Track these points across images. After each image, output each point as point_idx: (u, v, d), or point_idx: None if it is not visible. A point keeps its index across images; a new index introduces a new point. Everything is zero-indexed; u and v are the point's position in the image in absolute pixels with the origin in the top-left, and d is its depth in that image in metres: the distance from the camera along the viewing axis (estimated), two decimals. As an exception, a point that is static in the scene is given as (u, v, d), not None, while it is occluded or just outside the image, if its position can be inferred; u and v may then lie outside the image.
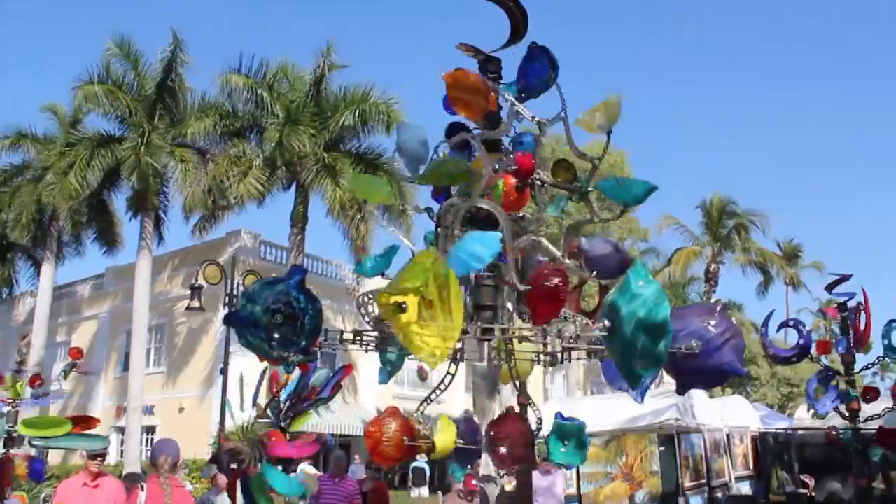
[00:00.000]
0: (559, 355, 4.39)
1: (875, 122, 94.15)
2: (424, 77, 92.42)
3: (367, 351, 4.35)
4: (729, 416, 16.88)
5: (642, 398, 4.90)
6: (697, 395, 18.32)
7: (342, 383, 7.07)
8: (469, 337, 3.96)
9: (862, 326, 7.93)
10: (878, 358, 8.05)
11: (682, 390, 4.93)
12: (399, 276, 3.83)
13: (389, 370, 4.55)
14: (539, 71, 4.42)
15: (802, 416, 19.22)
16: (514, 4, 4.37)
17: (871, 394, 8.05)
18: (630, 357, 4.17)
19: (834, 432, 8.94)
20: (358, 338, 4.21)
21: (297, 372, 5.86)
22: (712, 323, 4.62)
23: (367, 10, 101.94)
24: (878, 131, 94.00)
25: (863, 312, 7.98)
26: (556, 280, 4.18)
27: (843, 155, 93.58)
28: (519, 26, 4.46)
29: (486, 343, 4.11)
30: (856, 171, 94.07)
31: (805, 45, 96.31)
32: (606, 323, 4.44)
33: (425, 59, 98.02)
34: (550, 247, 4.56)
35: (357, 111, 25.00)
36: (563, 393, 39.11)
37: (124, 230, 29.29)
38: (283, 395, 6.00)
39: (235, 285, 17.30)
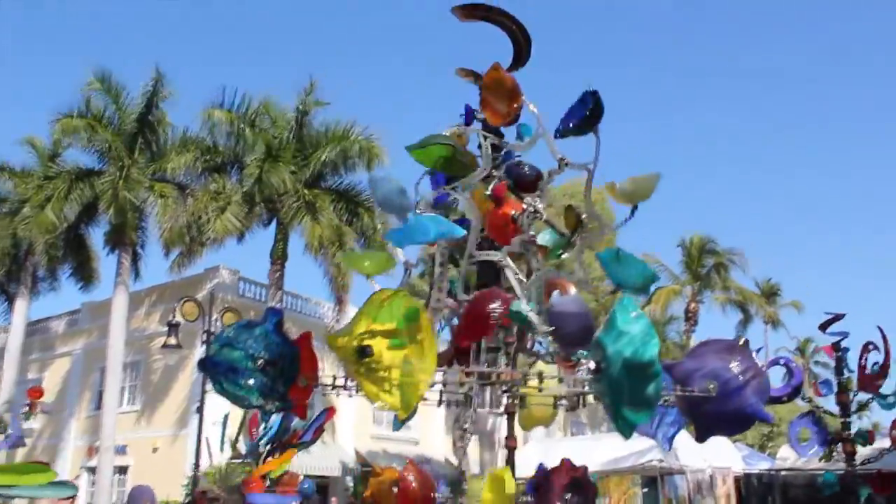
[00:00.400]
0: (580, 399, 4.16)
1: (851, 162, 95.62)
2: (406, 114, 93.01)
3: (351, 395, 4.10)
4: (712, 457, 16.77)
5: (669, 446, 4.67)
6: (681, 434, 18.23)
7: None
8: (470, 381, 3.80)
9: (868, 365, 7.78)
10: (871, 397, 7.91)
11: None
12: (362, 316, 3.58)
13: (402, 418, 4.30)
14: (578, 113, 4.31)
15: (785, 456, 19.09)
16: (519, 30, 4.30)
17: (868, 436, 7.94)
18: (618, 400, 3.90)
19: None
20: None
21: (276, 415, 5.66)
22: (732, 362, 4.22)
23: (351, 46, 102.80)
24: (851, 173, 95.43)
25: (872, 352, 7.79)
26: (495, 305, 3.98)
27: (820, 196, 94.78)
28: (522, 52, 4.40)
29: (488, 388, 3.92)
30: (833, 212, 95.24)
31: (785, 88, 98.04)
32: (591, 364, 4.22)
33: (408, 97, 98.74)
34: (512, 278, 4.37)
35: (338, 148, 25.01)
36: (542, 433, 38.76)
37: (101, 265, 28.85)
38: (263, 439, 5.78)
39: (213, 322, 17.09)
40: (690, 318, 37.07)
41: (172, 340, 16.89)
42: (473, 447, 26.87)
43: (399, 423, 4.34)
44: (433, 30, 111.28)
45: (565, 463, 4.40)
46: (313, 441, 5.75)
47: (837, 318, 8.13)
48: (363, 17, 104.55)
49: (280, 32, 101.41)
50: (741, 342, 4.40)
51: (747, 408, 4.14)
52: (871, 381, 7.57)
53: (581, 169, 4.31)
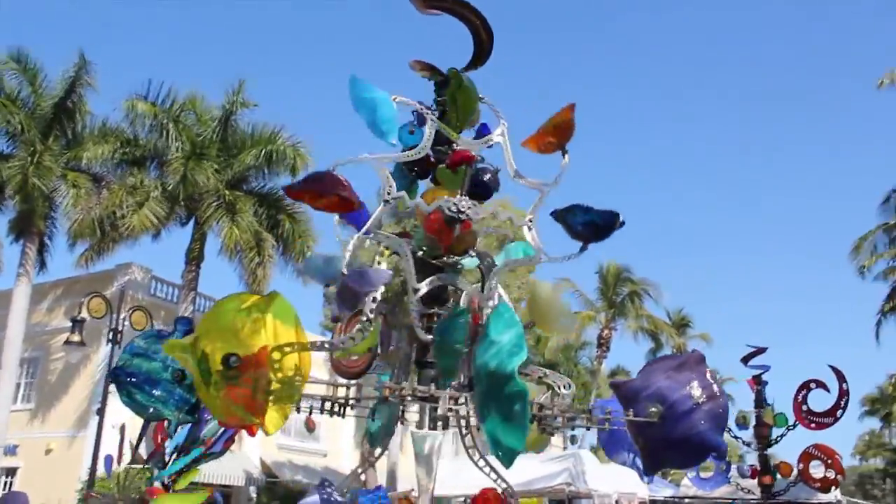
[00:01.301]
0: (562, 421, 3.85)
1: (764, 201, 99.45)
2: (335, 123, 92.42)
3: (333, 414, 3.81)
4: (618, 482, 16.99)
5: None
6: (588, 458, 18.38)
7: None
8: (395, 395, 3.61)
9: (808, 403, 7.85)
10: (788, 427, 8.05)
11: (648, 468, 3.98)
12: (218, 323, 3.24)
13: (373, 437, 4.00)
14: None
15: (689, 483, 19.52)
16: (482, 24, 4.15)
17: (785, 468, 8.06)
18: (490, 422, 3.41)
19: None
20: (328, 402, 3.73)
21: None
22: (682, 381, 3.64)
23: (284, 51, 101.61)
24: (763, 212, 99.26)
25: (815, 390, 7.85)
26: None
27: (733, 234, 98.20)
28: (483, 49, 4.25)
29: (428, 407, 3.70)
30: (742, 250, 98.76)
31: (704, 119, 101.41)
32: (462, 379, 3.86)
33: (339, 105, 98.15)
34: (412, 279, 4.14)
35: (264, 151, 24.53)
36: (451, 452, 38.72)
37: (2, 254, 27.50)
38: (169, 447, 5.49)
39: (121, 320, 16.46)
40: (603, 344, 37.70)
41: (76, 337, 16.21)
42: (409, 468, 26.53)
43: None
44: (376, 37, 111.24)
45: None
46: (224, 451, 5.50)
47: (760, 351, 8.28)
48: (303, 25, 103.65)
49: (217, 31, 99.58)
50: (696, 358, 3.77)
51: (695, 435, 3.57)
52: (816, 416, 7.68)
53: (535, 188, 4.18)
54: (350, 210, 3.88)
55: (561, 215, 3.85)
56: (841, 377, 7.68)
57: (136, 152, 24.31)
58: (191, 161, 23.05)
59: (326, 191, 3.76)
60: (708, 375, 3.73)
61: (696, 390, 3.66)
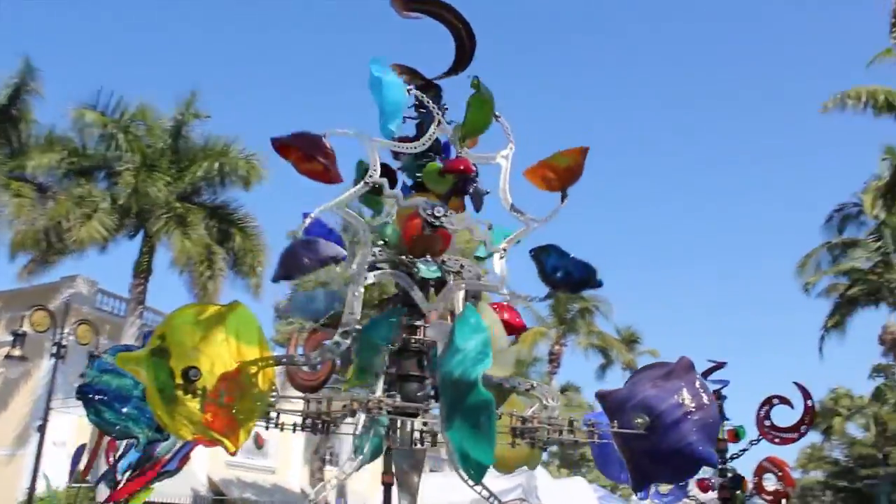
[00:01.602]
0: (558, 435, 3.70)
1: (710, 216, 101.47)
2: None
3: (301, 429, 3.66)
4: (571, 498, 17.05)
5: (645, 494, 4.09)
6: (541, 475, 18.40)
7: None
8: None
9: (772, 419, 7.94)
10: (751, 441, 8.15)
11: (637, 484, 3.73)
12: (177, 335, 3.11)
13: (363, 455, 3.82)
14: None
15: (639, 500, 19.69)
16: (464, 28, 4.09)
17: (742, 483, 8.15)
18: (456, 434, 3.23)
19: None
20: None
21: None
22: (670, 390, 3.42)
23: (239, 64, 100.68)
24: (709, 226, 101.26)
25: (777, 406, 7.94)
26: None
27: (682, 251, 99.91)
28: (465, 53, 4.19)
29: (410, 422, 3.60)
30: (691, 267, 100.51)
31: (649, 137, 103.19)
32: (430, 390, 3.80)
33: (297, 118, 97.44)
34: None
35: (216, 163, 24.18)
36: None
37: (-60, 266, 26.61)
38: (122, 465, 5.31)
39: (65, 334, 16.02)
40: (554, 360, 37.94)
41: (17, 351, 15.75)
42: (358, 484, 26.12)
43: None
44: (337, 50, 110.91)
45: None
46: (178, 469, 5.35)
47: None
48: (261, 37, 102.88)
49: (170, 42, 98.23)
50: (684, 365, 3.54)
51: (685, 447, 3.33)
52: (779, 432, 7.78)
53: (523, 221, 4.13)
54: (329, 182, 3.77)
55: (537, 255, 3.86)
56: (806, 394, 7.84)
57: (84, 162, 23.74)
58: (142, 173, 22.61)
59: (314, 155, 3.66)
60: (697, 384, 3.52)
61: (684, 399, 3.42)
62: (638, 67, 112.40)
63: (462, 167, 4.03)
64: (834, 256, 32.42)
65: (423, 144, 4.03)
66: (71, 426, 24.08)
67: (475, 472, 3.29)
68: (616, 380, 45.84)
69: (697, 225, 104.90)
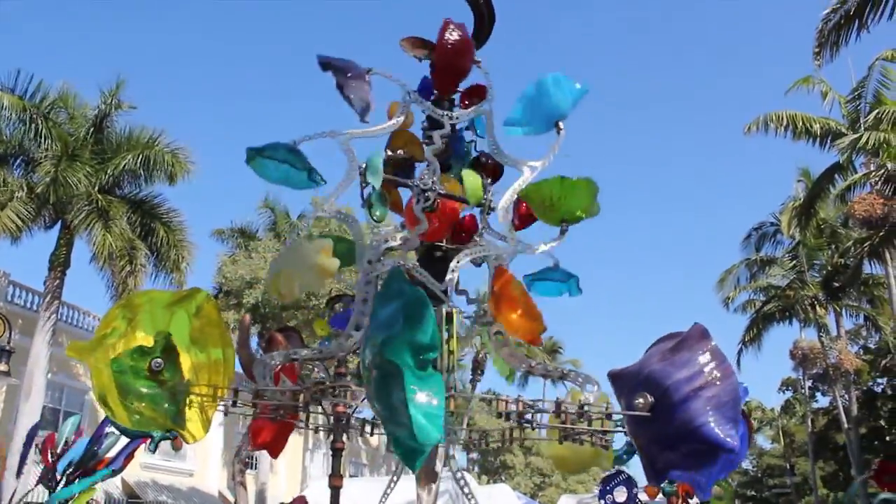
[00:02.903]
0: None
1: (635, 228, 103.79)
2: (221, 131, 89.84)
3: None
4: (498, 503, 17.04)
5: (657, 482, 3.54)
6: (469, 481, 18.43)
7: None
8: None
9: None
10: None
11: (650, 475, 3.18)
12: (135, 320, 2.97)
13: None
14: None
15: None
16: (486, 7, 3.91)
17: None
18: (383, 416, 2.95)
19: None
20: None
21: (79, 437, 4.91)
22: (677, 362, 2.93)
23: (165, 56, 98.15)
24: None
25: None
26: None
27: (600, 263, 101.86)
28: (484, 27, 4.00)
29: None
30: (607, 279, 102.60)
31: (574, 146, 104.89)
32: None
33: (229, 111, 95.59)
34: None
35: (141, 156, 23.41)
36: (322, 473, 37.92)
37: None
38: (61, 464, 4.98)
39: (-25, 328, 15.25)
40: (477, 368, 38.03)
41: (3, 366, 14.89)
42: (278, 489, 25.40)
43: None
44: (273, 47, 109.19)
45: None
46: (123, 468, 5.06)
47: None
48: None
49: (95, 27, 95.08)
50: (696, 333, 3.06)
51: (697, 428, 2.82)
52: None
53: (499, 241, 3.98)
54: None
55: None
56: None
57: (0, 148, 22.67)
58: (63, 162, 21.69)
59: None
60: (710, 354, 2.97)
61: (695, 371, 2.89)
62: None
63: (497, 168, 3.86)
64: (752, 273, 33.57)
65: (396, 124, 3.81)
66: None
67: (407, 458, 2.86)
68: (537, 388, 46.25)
69: (625, 237, 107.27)
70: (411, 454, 2.78)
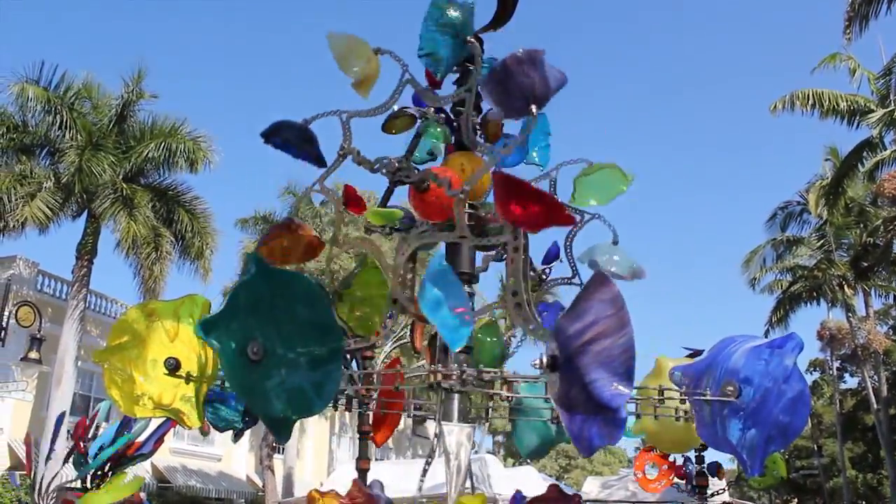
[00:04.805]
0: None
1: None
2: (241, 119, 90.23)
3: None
4: (523, 487, 17.10)
5: (586, 453, 3.19)
6: (493, 463, 18.47)
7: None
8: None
9: None
10: None
11: (580, 446, 2.74)
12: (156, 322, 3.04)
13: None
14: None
15: (589, 490, 19.93)
16: None
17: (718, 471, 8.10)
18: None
19: None
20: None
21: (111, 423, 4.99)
22: (572, 315, 2.50)
23: (186, 45, 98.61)
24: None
25: None
26: None
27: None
28: (507, 9, 3.85)
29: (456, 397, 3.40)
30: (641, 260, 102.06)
31: (600, 126, 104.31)
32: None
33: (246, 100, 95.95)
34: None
35: (163, 144, 23.58)
36: (349, 457, 38.22)
37: None
38: (92, 448, 5.06)
39: (6, 316, 15.55)
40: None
41: (34, 354, 15.17)
42: (305, 473, 25.47)
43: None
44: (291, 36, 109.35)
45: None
46: (152, 452, 5.14)
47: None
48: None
49: (118, 17, 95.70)
50: (595, 280, 2.53)
51: (587, 386, 2.42)
52: None
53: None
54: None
55: None
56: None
57: (25, 139, 22.89)
58: (87, 152, 21.89)
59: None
60: (605, 303, 2.45)
61: (587, 324, 2.46)
62: (584, 58, 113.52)
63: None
64: (778, 253, 33.25)
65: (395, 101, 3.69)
66: (9, 411, 23.39)
67: (274, 428, 2.87)
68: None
69: (650, 218, 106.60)
70: (278, 424, 2.84)
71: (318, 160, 3.50)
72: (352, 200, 3.67)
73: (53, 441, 7.69)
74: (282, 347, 2.69)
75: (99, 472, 4.97)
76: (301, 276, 2.86)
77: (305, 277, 2.91)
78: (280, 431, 2.84)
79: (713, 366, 3.16)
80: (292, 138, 3.49)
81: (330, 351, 2.81)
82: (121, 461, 5.07)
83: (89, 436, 5.16)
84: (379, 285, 3.77)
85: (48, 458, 11.27)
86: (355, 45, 3.59)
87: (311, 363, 2.74)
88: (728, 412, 3.02)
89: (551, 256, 4.14)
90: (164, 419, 4.94)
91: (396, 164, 3.48)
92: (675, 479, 7.97)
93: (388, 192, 3.76)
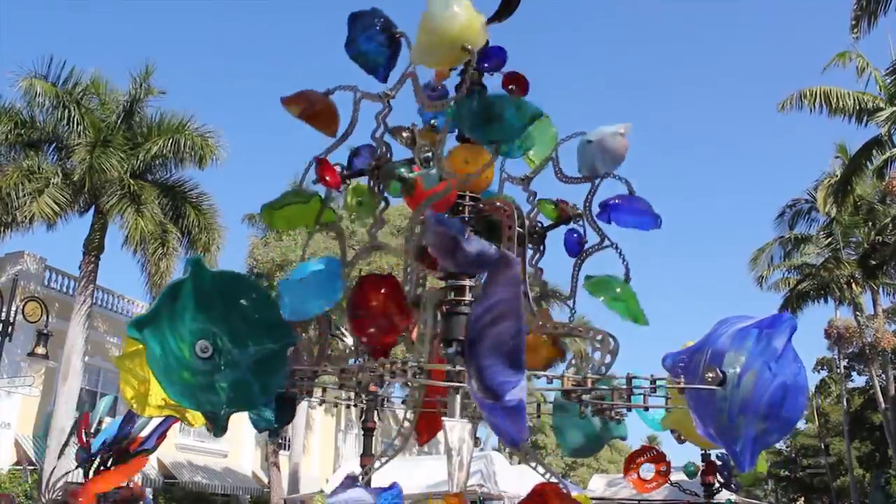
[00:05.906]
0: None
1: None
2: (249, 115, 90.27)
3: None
4: (528, 484, 17.09)
5: (511, 444, 2.98)
6: (499, 460, 18.45)
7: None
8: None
9: None
10: None
11: (508, 440, 2.67)
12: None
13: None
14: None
15: (595, 487, 19.91)
16: None
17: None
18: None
19: None
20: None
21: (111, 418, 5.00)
22: (482, 297, 2.42)
23: (192, 41, 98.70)
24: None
25: None
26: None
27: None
28: (511, 2, 3.81)
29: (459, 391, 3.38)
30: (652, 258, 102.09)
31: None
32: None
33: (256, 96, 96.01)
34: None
35: (171, 140, 23.60)
36: (354, 453, 38.23)
37: None
38: (95, 442, 5.07)
39: (13, 312, 15.50)
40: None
41: (41, 349, 15.20)
42: (311, 468, 25.42)
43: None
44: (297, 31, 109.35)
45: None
46: (155, 448, 5.14)
47: None
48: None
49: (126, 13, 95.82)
50: (501, 261, 2.41)
51: (482, 372, 2.35)
52: None
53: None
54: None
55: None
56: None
57: (33, 135, 22.94)
58: (96, 148, 21.92)
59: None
60: (504, 286, 2.35)
61: (486, 307, 2.35)
62: (595, 54, 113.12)
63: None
64: (786, 251, 33.12)
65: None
66: (16, 407, 23.46)
67: (212, 424, 2.97)
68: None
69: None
70: (214, 420, 2.97)
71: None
72: (325, 173, 3.74)
73: (66, 441, 7.70)
74: (232, 345, 2.75)
75: (101, 467, 4.98)
76: (245, 277, 2.97)
77: (249, 277, 3.05)
78: (217, 425, 2.89)
79: (701, 350, 3.03)
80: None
81: (281, 347, 2.89)
82: (124, 455, 5.08)
83: (91, 430, 5.16)
84: None
85: (60, 455, 11.39)
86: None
87: (260, 360, 2.81)
88: (712, 400, 2.86)
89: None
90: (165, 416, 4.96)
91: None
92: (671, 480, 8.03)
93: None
